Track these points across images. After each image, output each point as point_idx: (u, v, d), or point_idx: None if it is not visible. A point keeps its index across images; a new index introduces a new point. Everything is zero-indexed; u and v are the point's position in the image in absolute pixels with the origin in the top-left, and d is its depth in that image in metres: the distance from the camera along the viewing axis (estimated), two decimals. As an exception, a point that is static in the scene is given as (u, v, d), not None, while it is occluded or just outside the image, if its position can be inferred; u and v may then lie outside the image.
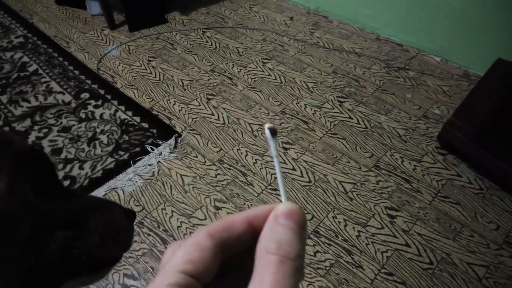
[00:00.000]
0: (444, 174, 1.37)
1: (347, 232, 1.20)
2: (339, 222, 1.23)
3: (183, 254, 0.21)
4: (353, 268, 1.11)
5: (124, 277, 1.07)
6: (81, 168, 1.38)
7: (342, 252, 1.15)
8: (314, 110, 1.64)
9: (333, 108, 1.64)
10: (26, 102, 1.64)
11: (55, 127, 1.53)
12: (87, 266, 0.43)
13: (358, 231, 1.20)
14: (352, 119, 1.59)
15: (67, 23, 2.19)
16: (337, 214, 1.25)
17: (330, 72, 1.85)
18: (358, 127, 1.56)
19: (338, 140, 1.50)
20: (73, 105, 1.65)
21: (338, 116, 1.61)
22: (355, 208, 1.26)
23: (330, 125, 1.57)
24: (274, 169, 1.38)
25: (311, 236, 1.19)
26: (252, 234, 0.24)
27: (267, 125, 0.26)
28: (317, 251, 1.15)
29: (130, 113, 1.61)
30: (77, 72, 1.83)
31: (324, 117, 1.60)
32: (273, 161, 1.40)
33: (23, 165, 0.40)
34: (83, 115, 1.60)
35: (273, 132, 0.25)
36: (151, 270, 1.09)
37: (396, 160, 1.43)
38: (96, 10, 2.20)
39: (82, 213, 0.43)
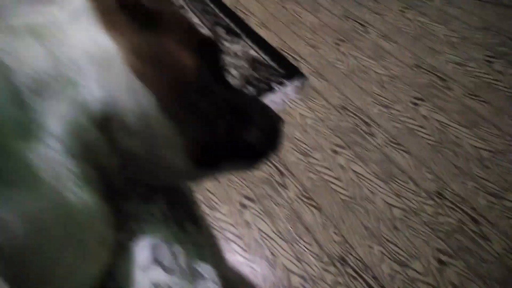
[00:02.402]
0: None
1: (476, 201, 1.10)
2: (468, 188, 1.13)
3: None
4: (478, 238, 1.03)
5: (243, 197, 1.16)
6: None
7: (466, 219, 1.06)
8: (455, 68, 1.47)
9: (479, 68, 1.46)
10: (170, 32, 1.80)
11: (193, 57, 1.65)
12: (244, 154, 0.47)
13: (490, 202, 1.09)
14: (501, 82, 1.40)
15: (209, -39, 2.28)
16: (467, 180, 1.15)
17: (481, 27, 1.62)
18: (508, 92, 1.37)
19: (480, 103, 1.34)
20: (209, 38, 1.75)
21: (483, 77, 1.42)
22: (490, 177, 1.14)
23: (473, 85, 1.40)
24: (399, 124, 1.31)
25: (433, 197, 1.12)
26: None
27: None
28: (439, 213, 1.08)
29: (260, 51, 1.66)
30: (215, 8, 1.92)
31: (466, 76, 1.44)
32: (399, 115, 1.32)
33: (205, 50, 0.44)
34: (217, 49, 1.69)
35: None
36: (268, 196, 1.16)
37: (550, 134, 1.23)
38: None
39: (248, 107, 0.47)
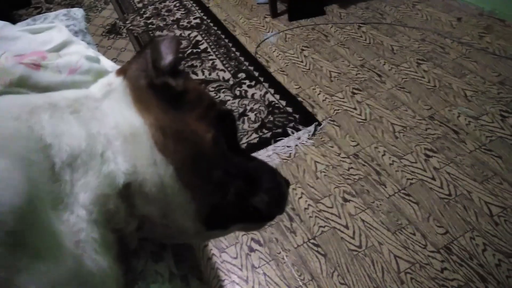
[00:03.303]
0: None
1: (485, 257, 1.09)
2: (477, 244, 1.12)
3: None
4: (484, 297, 1.02)
5: (251, 241, 1.19)
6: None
7: (474, 276, 1.05)
8: (469, 121, 1.50)
9: (493, 122, 1.48)
10: (195, 75, 1.91)
11: (214, 100, 1.74)
12: (252, 217, 0.51)
13: (499, 260, 1.08)
14: (515, 137, 1.41)
15: (236, 9, 2.44)
16: (476, 236, 1.14)
17: (496, 82, 1.65)
18: (521, 147, 1.37)
19: (493, 158, 1.35)
20: (231, 82, 1.85)
21: (497, 132, 1.44)
22: (499, 234, 1.13)
23: (486, 139, 1.42)
24: (410, 175, 1.33)
25: (441, 251, 1.12)
26: None
27: None
28: (445, 268, 1.08)
29: (277, 96, 1.73)
30: (238, 54, 2.03)
31: (479, 130, 1.46)
32: (410, 166, 1.35)
33: (222, 122, 0.50)
34: (237, 92, 1.78)
35: None
36: (275, 241, 1.19)
37: None
38: (262, -1, 2.39)
39: (257, 173, 0.52)
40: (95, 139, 0.40)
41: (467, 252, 1.11)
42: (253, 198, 0.50)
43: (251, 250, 1.17)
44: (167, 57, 0.50)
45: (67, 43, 0.73)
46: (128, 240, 0.44)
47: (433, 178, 1.32)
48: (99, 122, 0.42)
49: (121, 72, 0.50)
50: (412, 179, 1.32)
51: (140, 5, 2.63)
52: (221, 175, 0.47)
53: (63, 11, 0.93)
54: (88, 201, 0.37)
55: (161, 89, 0.47)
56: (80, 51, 0.69)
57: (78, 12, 0.93)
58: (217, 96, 1.76)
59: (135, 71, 0.49)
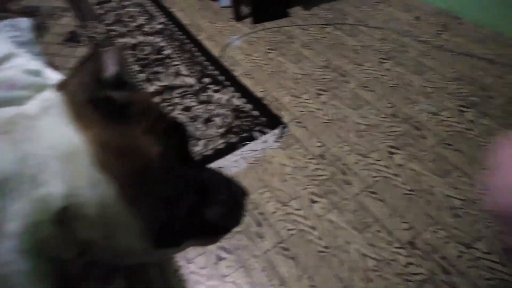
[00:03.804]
0: None
1: (447, 250, 1.12)
2: (439, 238, 1.15)
3: None
4: (448, 289, 1.04)
5: (219, 249, 1.18)
6: (195, 145, 1.54)
7: (437, 269, 1.08)
8: (430, 117, 1.54)
9: (452, 117, 1.52)
10: (159, 81, 1.88)
11: (179, 106, 1.72)
12: (206, 231, 0.49)
13: (460, 251, 1.11)
14: (473, 131, 1.46)
15: (200, 13, 2.42)
16: (439, 229, 1.17)
17: (454, 78, 1.70)
18: (480, 140, 1.42)
19: (452, 152, 1.39)
20: (196, 87, 1.83)
21: (456, 126, 1.48)
22: (461, 226, 1.17)
23: (446, 134, 1.46)
24: (375, 173, 1.35)
25: (406, 246, 1.14)
26: None
27: None
28: (410, 263, 1.10)
29: (244, 100, 1.73)
30: (203, 58, 2.01)
31: (439, 125, 1.50)
32: (375, 164, 1.37)
33: (171, 135, 0.48)
34: (203, 98, 1.76)
35: None
36: (244, 247, 1.18)
37: (520, 183, 1.26)
38: (226, 2, 2.38)
39: (210, 184, 0.50)
40: (27, 161, 0.38)
41: (430, 246, 1.13)
42: (206, 211, 0.49)
43: (219, 258, 1.15)
44: (111, 69, 0.48)
45: (8, 56, 0.70)
46: (69, 267, 0.41)
47: (397, 175, 1.34)
48: (32, 142, 0.40)
49: (60, 86, 0.47)
50: (376, 176, 1.35)
51: (101, 11, 2.57)
52: (169, 190, 0.45)
53: (7, 22, 0.89)
54: (18, 230, 0.35)
55: (103, 103, 0.45)
56: (20, 65, 0.66)
57: (23, 23, 0.89)
58: (181, 102, 1.74)
59: (75, 85, 0.46)
